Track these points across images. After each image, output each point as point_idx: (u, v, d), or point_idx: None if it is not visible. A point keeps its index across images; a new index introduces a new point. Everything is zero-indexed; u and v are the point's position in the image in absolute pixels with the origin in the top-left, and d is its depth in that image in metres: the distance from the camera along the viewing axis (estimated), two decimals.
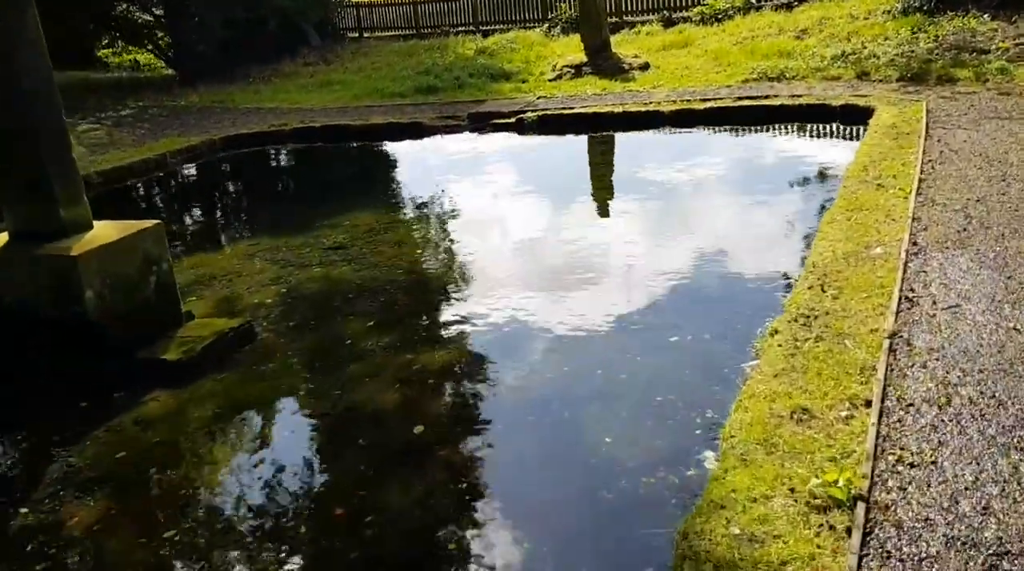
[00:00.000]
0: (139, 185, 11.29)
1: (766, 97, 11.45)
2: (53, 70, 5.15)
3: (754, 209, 7.76)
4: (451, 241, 7.73)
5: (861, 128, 9.57)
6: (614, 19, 20.18)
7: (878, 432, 3.38)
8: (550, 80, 15.22)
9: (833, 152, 9.48)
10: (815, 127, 10.75)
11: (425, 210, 8.90)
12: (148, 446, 4.31)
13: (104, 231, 5.37)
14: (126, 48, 20.82)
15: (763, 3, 18.05)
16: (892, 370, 3.87)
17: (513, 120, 12.24)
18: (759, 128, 10.93)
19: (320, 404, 4.67)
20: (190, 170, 11.80)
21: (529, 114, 12.23)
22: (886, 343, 4.09)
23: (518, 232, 7.80)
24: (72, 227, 5.29)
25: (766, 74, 12.79)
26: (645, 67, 14.93)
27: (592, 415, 4.29)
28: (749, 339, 4.66)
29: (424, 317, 5.88)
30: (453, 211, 8.76)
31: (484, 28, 22.22)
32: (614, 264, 6.58)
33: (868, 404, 3.59)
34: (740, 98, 11.59)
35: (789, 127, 10.92)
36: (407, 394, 4.63)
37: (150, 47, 19.21)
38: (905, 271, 4.99)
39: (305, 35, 23.11)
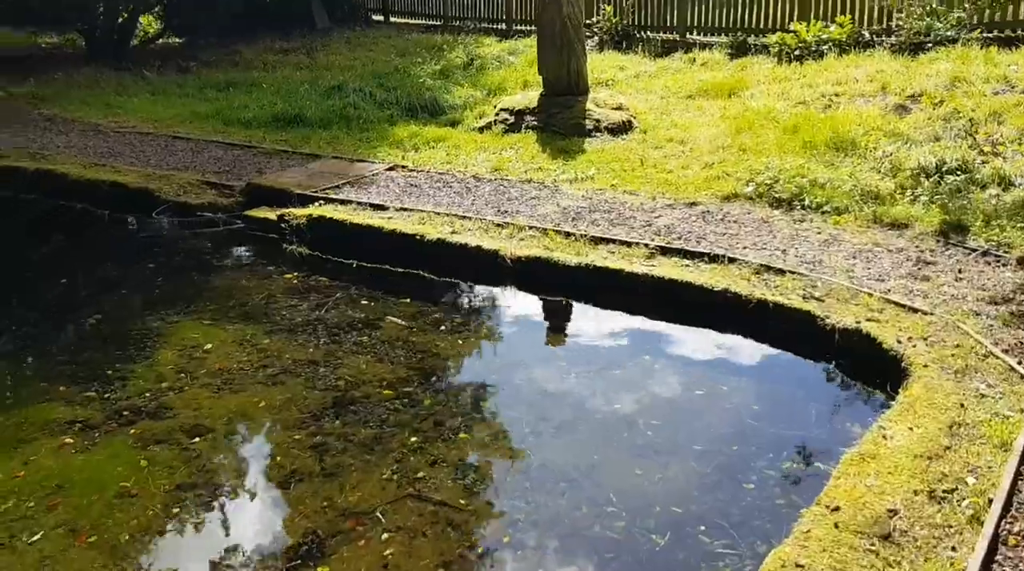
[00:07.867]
0: None
1: (714, 258, 5.39)
2: None
3: None
4: None
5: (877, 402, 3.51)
6: (672, 36, 14.04)
7: None
8: (478, 129, 9.58)
9: None
10: (758, 381, 4.70)
11: None
12: None
13: None
14: None
15: (879, 39, 11.39)
16: None
17: (275, 217, 6.80)
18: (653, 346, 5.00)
19: None
20: None
21: (299, 211, 6.73)
22: None
23: None
24: None
25: (772, 189, 6.60)
26: (622, 129, 8.96)
27: None
28: None
29: None
30: None
31: (517, 28, 16.66)
32: None
33: None
34: (665, 249, 5.58)
35: (709, 364, 4.91)
36: None
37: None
38: None
39: (310, 13, 18.37)
